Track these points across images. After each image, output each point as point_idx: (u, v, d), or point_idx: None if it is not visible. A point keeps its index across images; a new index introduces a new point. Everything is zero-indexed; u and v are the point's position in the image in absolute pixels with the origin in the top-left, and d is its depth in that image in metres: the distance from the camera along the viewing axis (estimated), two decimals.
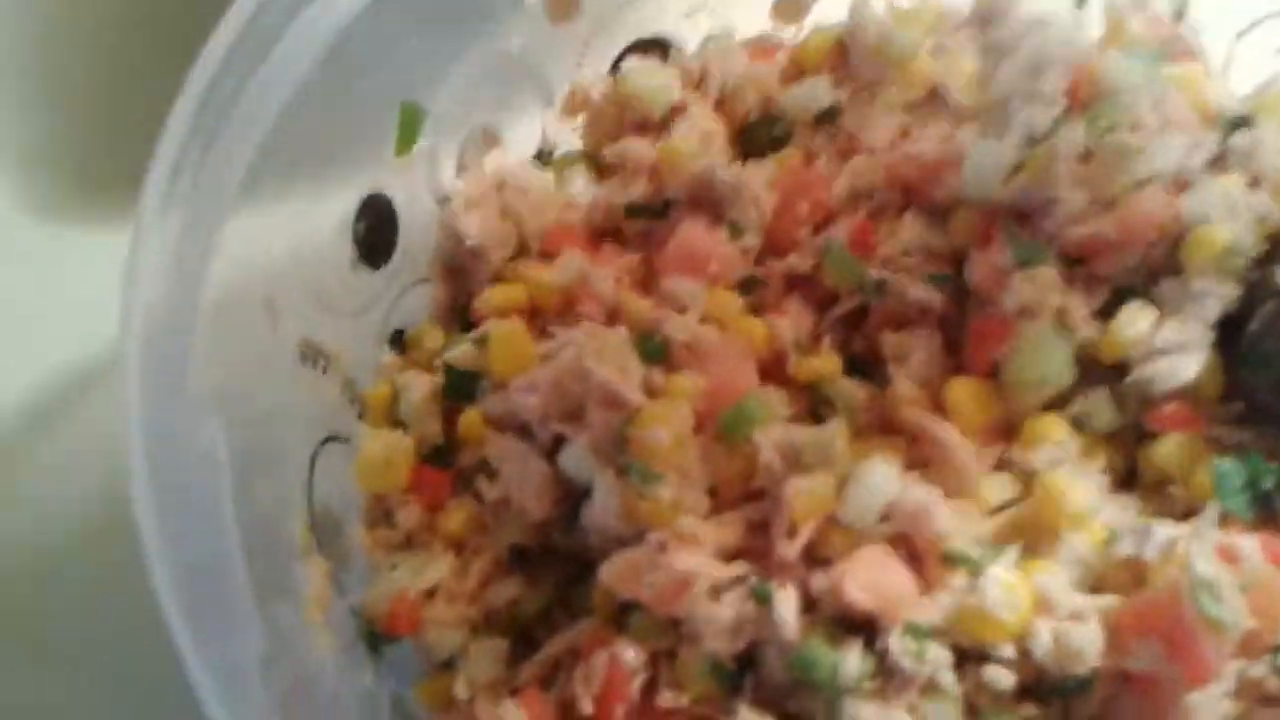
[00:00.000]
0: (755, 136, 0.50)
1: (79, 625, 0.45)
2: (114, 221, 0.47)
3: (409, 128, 0.43)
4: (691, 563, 0.35)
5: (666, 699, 0.36)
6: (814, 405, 0.42)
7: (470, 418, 0.42)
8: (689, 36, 0.51)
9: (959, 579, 0.35)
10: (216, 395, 0.33)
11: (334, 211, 0.42)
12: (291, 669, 0.33)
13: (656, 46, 0.51)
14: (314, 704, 0.34)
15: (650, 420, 0.37)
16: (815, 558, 0.37)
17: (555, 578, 0.41)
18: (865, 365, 0.44)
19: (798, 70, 0.51)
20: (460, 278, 0.46)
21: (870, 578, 0.34)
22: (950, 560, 0.35)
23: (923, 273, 0.43)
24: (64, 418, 0.49)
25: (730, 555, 0.37)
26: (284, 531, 0.35)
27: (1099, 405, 0.41)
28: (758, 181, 0.46)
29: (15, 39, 0.60)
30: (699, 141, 0.47)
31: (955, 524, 0.36)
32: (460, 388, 0.42)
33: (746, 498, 0.38)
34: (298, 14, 0.38)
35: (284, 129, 0.37)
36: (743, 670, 0.36)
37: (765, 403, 0.39)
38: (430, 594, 0.38)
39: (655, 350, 0.40)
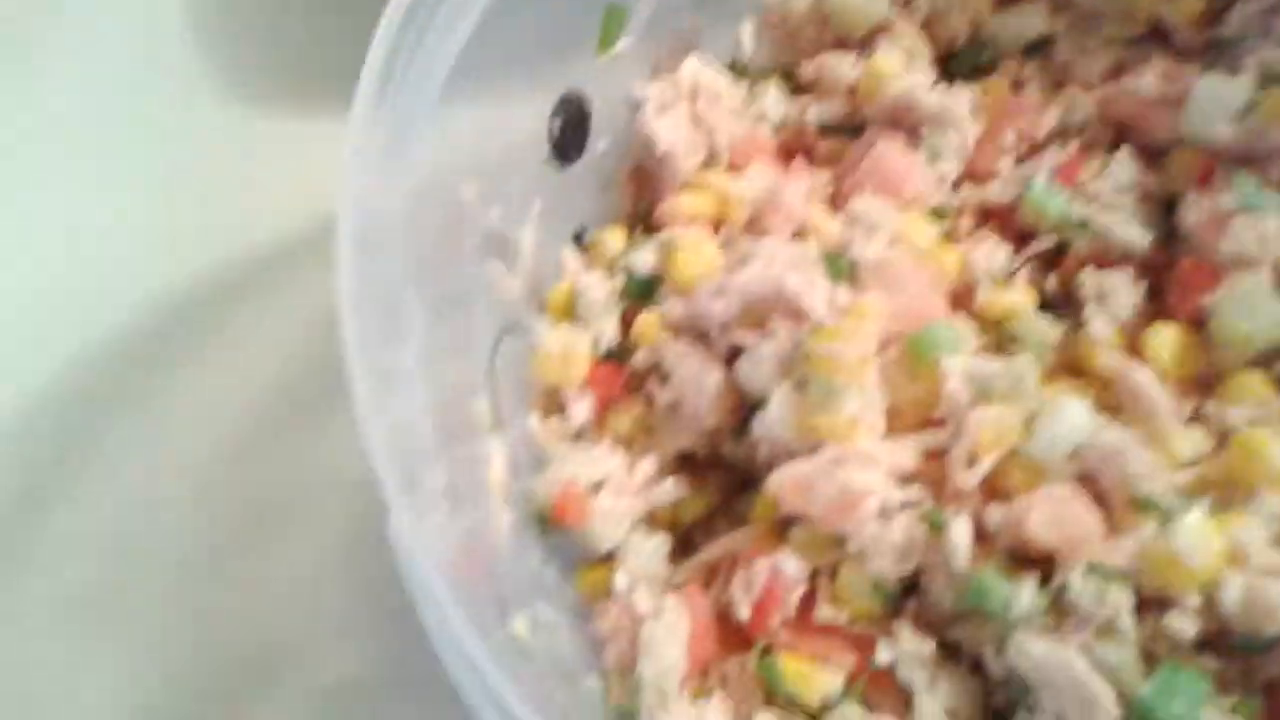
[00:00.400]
0: (961, 61, 0.48)
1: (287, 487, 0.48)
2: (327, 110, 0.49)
3: (612, 27, 0.43)
4: (865, 480, 0.35)
5: (825, 614, 0.36)
6: (1002, 341, 0.41)
7: (648, 320, 0.42)
8: None
9: (1148, 525, 0.34)
10: (413, 270, 0.34)
11: (531, 108, 0.42)
12: (471, 518, 0.34)
13: None
14: (487, 556, 0.35)
15: (835, 335, 0.36)
16: (993, 489, 0.36)
17: (720, 485, 0.40)
18: (1059, 305, 0.42)
19: None
20: (647, 183, 0.46)
21: (1055, 514, 0.33)
22: (1141, 505, 0.34)
23: (1132, 213, 0.41)
24: (275, 287, 0.51)
25: (905, 478, 0.36)
26: (469, 406, 0.36)
27: None
28: (962, 106, 0.44)
29: None
30: (902, 62, 0.46)
31: (1148, 469, 0.34)
32: (639, 290, 0.43)
33: (926, 424, 0.37)
34: None
35: (489, 24, 0.37)
36: (906, 593, 0.36)
37: (954, 330, 0.38)
38: (598, 486, 0.39)
39: (843, 269, 0.40)
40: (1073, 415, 0.35)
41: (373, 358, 0.31)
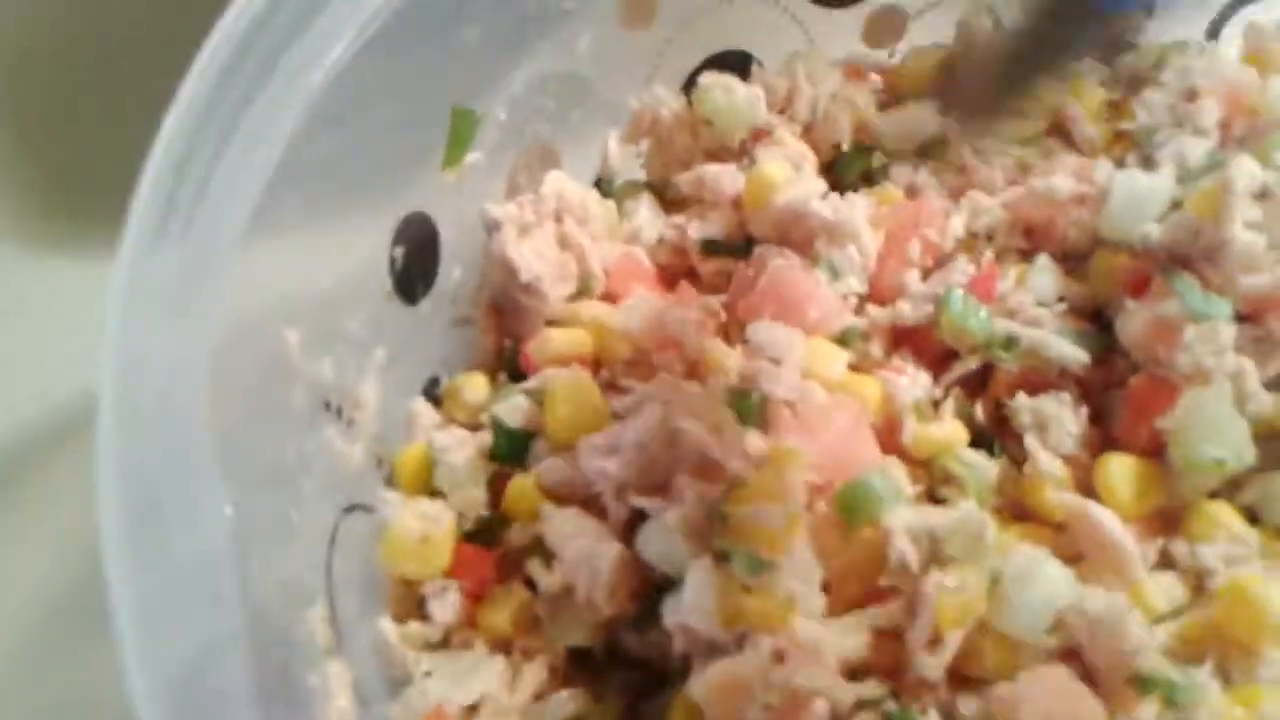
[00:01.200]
0: (848, 168, 0.43)
1: None
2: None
3: (460, 137, 0.37)
4: (811, 678, 0.28)
5: None
6: (933, 484, 0.35)
7: (522, 486, 0.34)
8: (771, 53, 0.45)
9: (1149, 705, 0.28)
10: (219, 445, 0.26)
11: (367, 236, 0.35)
12: None
13: (735, 62, 0.44)
14: None
15: (757, 494, 0.30)
16: (961, 674, 0.29)
17: (625, 690, 0.33)
18: (991, 436, 0.37)
19: (896, 95, 0.45)
20: (510, 318, 0.39)
21: (1047, 706, 0.27)
22: (1144, 684, 0.28)
23: (1062, 326, 0.37)
24: (30, 482, 0.41)
25: (856, 669, 0.29)
26: (298, 626, 0.28)
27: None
28: (859, 216, 0.39)
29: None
30: (788, 170, 0.41)
31: (1146, 638, 0.28)
32: (511, 449, 0.35)
33: (872, 596, 0.31)
34: (324, 7, 0.31)
35: (311, 133, 0.30)
36: None
37: (890, 478, 0.32)
38: (473, 709, 0.31)
39: (752, 409, 0.33)
40: (1048, 578, 0.29)
41: (147, 577, 0.23)
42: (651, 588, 0.32)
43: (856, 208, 0.39)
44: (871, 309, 0.39)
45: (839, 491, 0.31)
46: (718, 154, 0.43)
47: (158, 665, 0.22)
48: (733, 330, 0.38)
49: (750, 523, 0.30)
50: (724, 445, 0.31)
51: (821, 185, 0.41)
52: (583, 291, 0.39)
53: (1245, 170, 0.35)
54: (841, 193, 0.41)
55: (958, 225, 0.40)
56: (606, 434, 0.32)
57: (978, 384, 0.38)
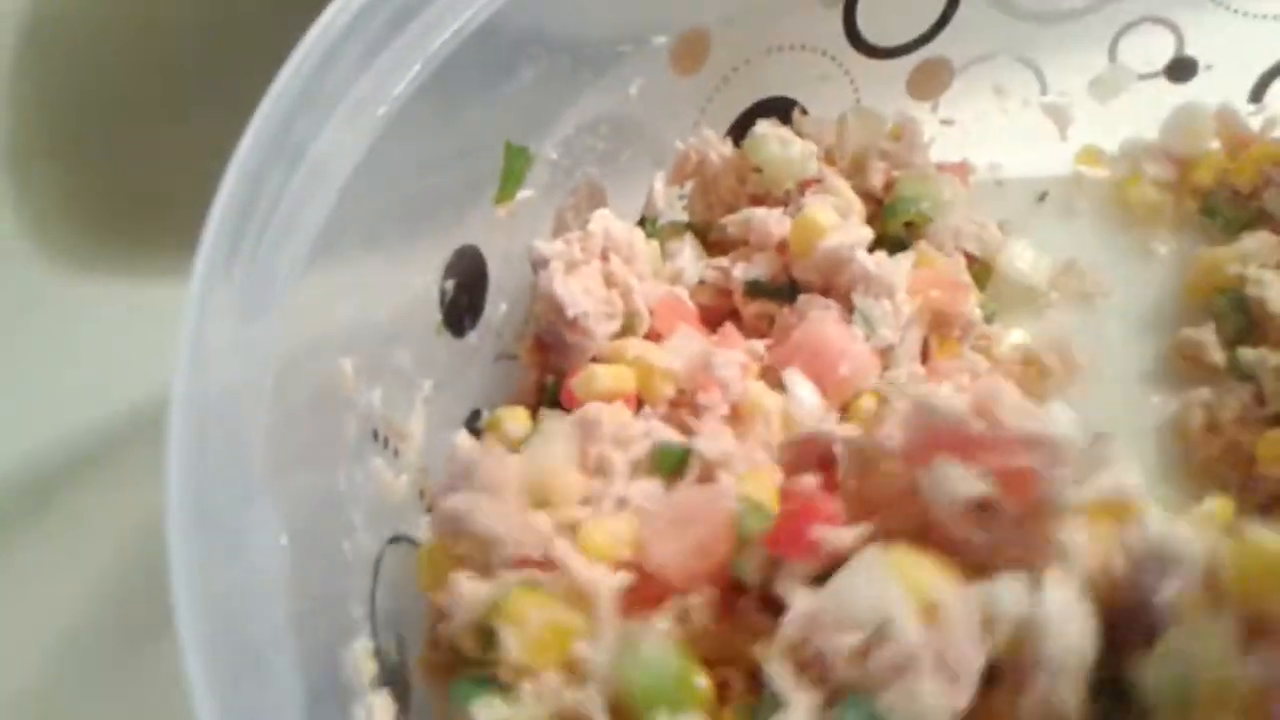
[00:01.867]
0: (891, 221, 0.44)
1: None
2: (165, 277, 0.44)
3: (514, 173, 0.37)
4: None
5: None
6: None
7: None
8: (816, 101, 0.45)
9: None
10: (276, 483, 0.26)
11: (420, 268, 0.35)
12: None
13: (780, 108, 0.45)
14: None
15: None
16: None
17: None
18: None
19: None
20: (554, 354, 0.39)
21: None
22: None
23: None
24: (100, 484, 0.42)
25: None
26: (345, 658, 0.28)
27: None
28: (899, 273, 0.40)
29: (53, 90, 0.56)
30: (835, 216, 0.41)
31: None
32: None
33: None
34: (389, 42, 0.32)
35: (371, 167, 0.31)
36: None
37: None
38: None
39: None
40: None
41: (210, 588, 0.23)
42: None
43: (899, 264, 0.40)
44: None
45: None
46: (763, 199, 0.43)
47: (219, 693, 0.22)
48: (772, 377, 0.38)
49: None
50: None
51: (867, 234, 0.41)
52: (627, 329, 0.39)
53: None
54: (887, 246, 0.41)
55: None
56: None
57: None
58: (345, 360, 0.30)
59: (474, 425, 0.38)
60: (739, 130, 0.44)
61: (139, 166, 0.52)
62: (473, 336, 0.38)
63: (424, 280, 0.35)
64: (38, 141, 0.55)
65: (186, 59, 0.56)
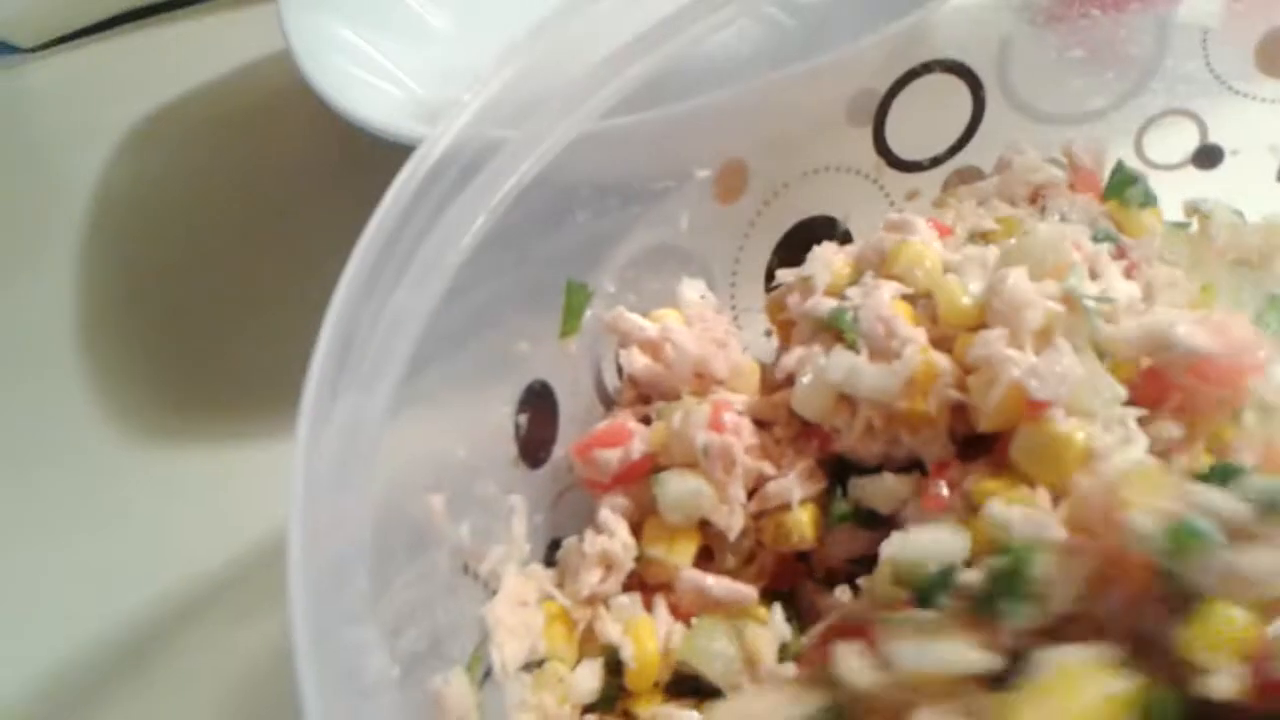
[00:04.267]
0: None
1: None
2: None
3: (575, 308, 0.39)
4: None
5: None
6: None
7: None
8: (856, 216, 0.47)
9: None
10: (382, 622, 0.27)
11: (495, 405, 0.37)
12: None
13: (822, 226, 0.47)
14: None
15: None
16: None
17: None
18: None
19: None
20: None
21: None
22: None
23: None
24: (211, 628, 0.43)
25: None
26: None
27: None
28: None
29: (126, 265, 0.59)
30: None
31: None
32: None
33: None
34: (455, 198, 0.34)
35: (445, 313, 0.32)
36: None
37: None
38: None
39: None
40: None
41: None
42: None
43: None
44: None
45: None
46: None
47: None
48: None
49: None
50: None
51: None
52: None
53: None
54: None
55: None
56: None
57: None
58: (435, 497, 0.32)
59: (552, 559, 0.39)
60: (784, 251, 0.46)
61: (215, 341, 0.55)
62: (548, 468, 0.39)
63: (500, 416, 0.37)
64: (115, 318, 0.58)
65: (257, 229, 0.59)
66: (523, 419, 0.37)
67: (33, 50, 0.77)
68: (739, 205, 0.45)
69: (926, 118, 0.46)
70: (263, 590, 0.42)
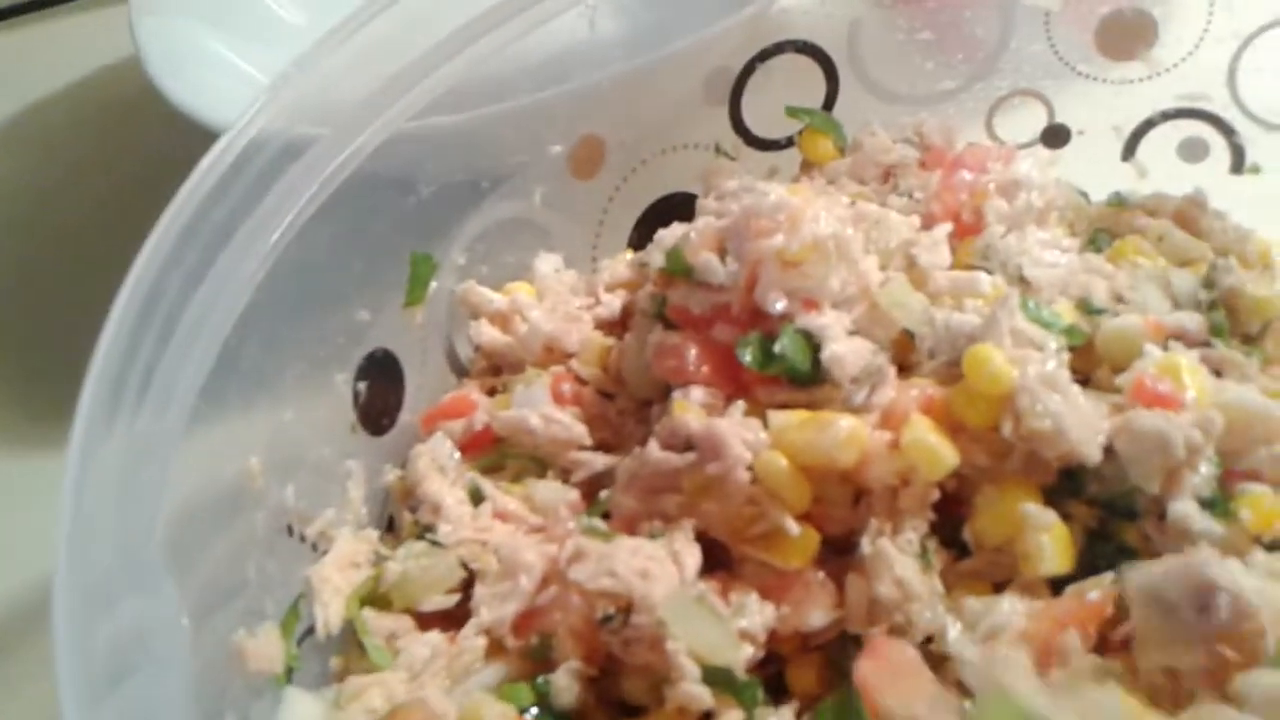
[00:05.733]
0: None
1: None
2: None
3: (420, 279, 0.40)
4: None
5: None
6: None
7: None
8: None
9: None
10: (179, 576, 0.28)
11: (330, 372, 0.38)
12: None
13: (681, 202, 0.48)
14: None
15: None
16: None
17: None
18: None
19: None
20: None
21: None
22: None
23: None
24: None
25: None
26: None
27: None
28: None
29: None
30: None
31: None
32: None
33: None
34: (280, 177, 0.34)
35: (274, 284, 0.33)
36: None
37: None
38: None
39: None
40: None
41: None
42: None
43: None
44: None
45: None
46: None
47: None
48: None
49: None
50: None
51: None
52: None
53: None
54: None
55: None
56: None
57: None
58: (254, 458, 0.33)
59: (390, 523, 0.40)
60: (644, 227, 0.47)
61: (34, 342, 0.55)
62: (393, 435, 0.40)
63: (336, 382, 0.38)
64: None
65: (107, 231, 0.56)
66: (362, 386, 0.38)
67: None
68: (597, 182, 0.46)
69: (782, 97, 0.48)
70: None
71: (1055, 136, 0.49)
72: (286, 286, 0.34)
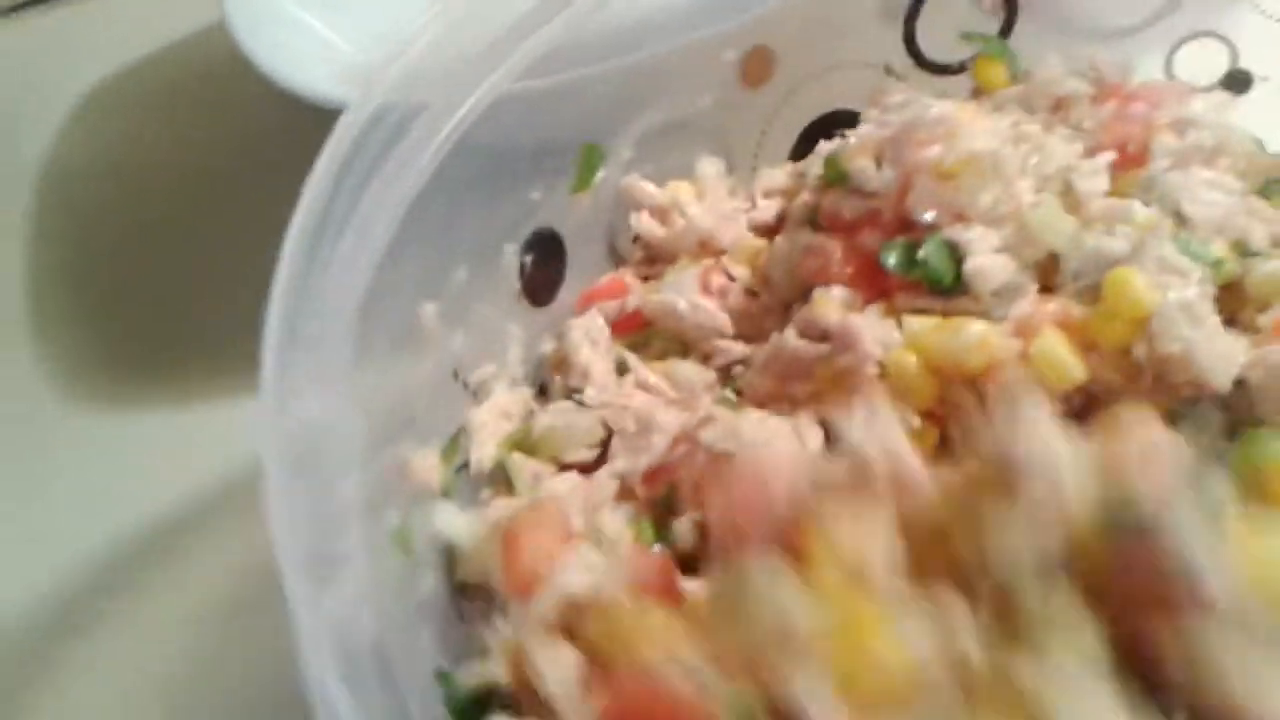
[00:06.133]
0: None
1: None
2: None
3: (589, 166, 0.43)
4: None
5: None
6: None
7: None
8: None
9: None
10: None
11: (500, 241, 0.41)
12: None
13: (846, 121, 0.49)
14: None
15: None
16: None
17: None
18: None
19: None
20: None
21: None
22: None
23: None
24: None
25: None
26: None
27: None
28: None
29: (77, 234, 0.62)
30: None
31: None
32: None
33: None
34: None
35: (457, 158, 0.35)
36: None
37: None
38: None
39: None
40: None
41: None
42: None
43: None
44: None
45: None
46: None
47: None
48: None
49: None
50: None
51: None
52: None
53: None
54: None
55: None
56: None
57: None
58: (428, 305, 0.36)
59: (543, 388, 0.43)
60: (806, 141, 0.49)
61: (162, 307, 0.57)
62: (552, 308, 0.43)
63: (506, 252, 0.41)
64: (64, 286, 0.60)
65: (203, 197, 0.61)
66: (528, 259, 0.42)
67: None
68: (764, 92, 0.48)
69: (957, 22, 0.48)
70: (220, 532, 0.46)
71: (1236, 81, 0.48)
72: (467, 164, 0.37)
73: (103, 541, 0.47)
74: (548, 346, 0.42)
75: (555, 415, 0.38)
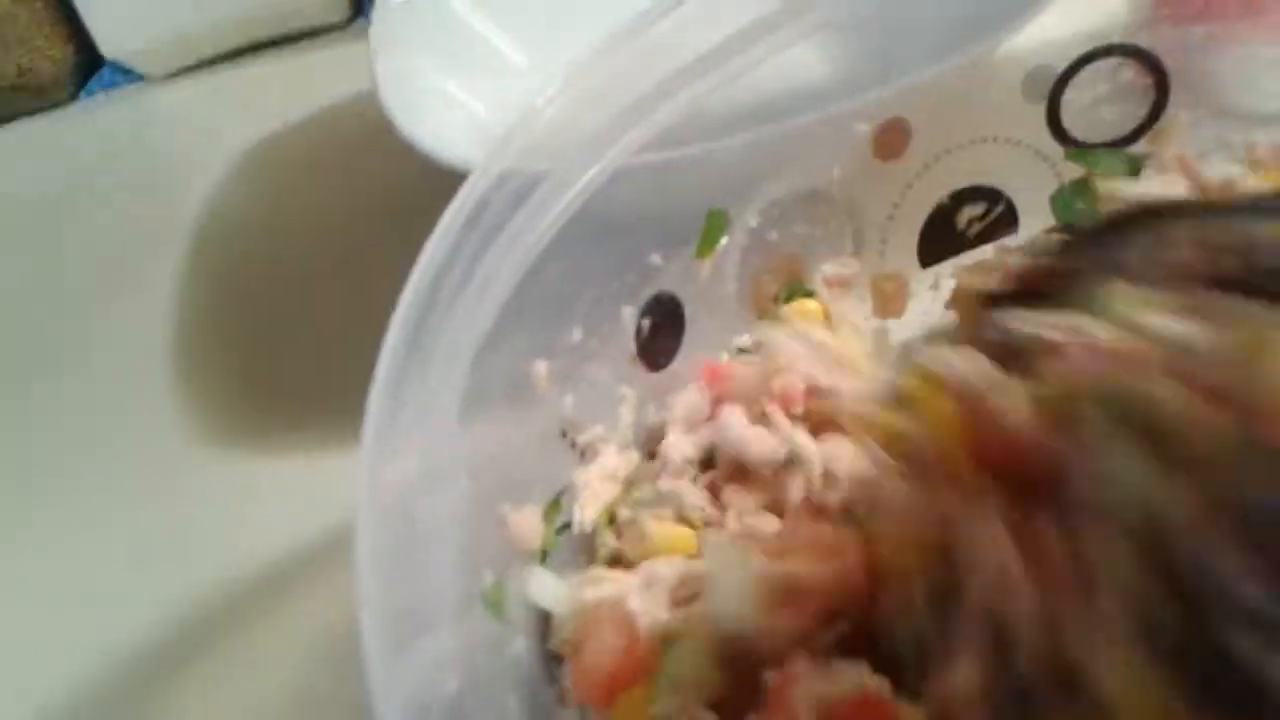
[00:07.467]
0: None
1: None
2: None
3: (713, 232, 0.43)
4: None
5: None
6: None
7: None
8: (1023, 191, 0.48)
9: None
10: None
11: (618, 304, 0.41)
12: None
13: (985, 195, 0.48)
14: None
15: None
16: None
17: None
18: None
19: None
20: None
21: None
22: None
23: None
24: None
25: None
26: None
27: None
28: None
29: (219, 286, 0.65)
30: None
31: None
32: None
33: None
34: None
35: (580, 222, 0.36)
36: None
37: None
38: None
39: None
40: None
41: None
42: None
43: None
44: None
45: None
46: None
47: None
48: None
49: None
50: None
51: None
52: None
53: None
54: None
55: None
56: None
57: None
58: (539, 363, 0.37)
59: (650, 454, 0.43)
60: (940, 217, 0.48)
61: (295, 360, 0.60)
62: (665, 373, 0.43)
63: (624, 314, 0.41)
64: (204, 336, 0.63)
65: (343, 257, 0.64)
66: (646, 323, 0.42)
67: (159, 79, 0.84)
68: (897, 165, 0.47)
69: (1105, 101, 0.46)
70: (325, 581, 0.47)
71: None
72: (589, 227, 0.37)
73: (216, 581, 0.49)
74: (656, 417, 0.42)
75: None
